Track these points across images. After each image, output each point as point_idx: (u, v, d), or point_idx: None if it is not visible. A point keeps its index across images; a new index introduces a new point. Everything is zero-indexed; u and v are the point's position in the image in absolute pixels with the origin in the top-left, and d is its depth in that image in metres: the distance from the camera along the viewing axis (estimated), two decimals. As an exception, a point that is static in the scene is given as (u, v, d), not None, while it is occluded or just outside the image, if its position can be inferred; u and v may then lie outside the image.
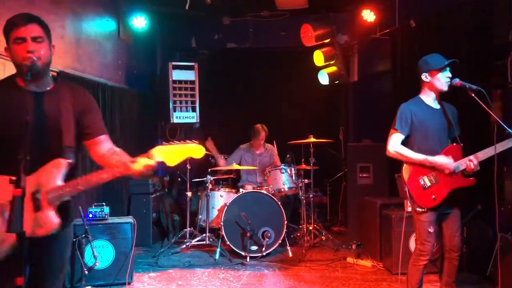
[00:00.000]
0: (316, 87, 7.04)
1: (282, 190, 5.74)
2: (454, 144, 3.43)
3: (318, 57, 6.82)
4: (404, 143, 3.48)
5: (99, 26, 5.88)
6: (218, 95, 7.75)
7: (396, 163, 3.71)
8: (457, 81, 3.33)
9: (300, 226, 5.94)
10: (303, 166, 6.13)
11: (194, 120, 6.65)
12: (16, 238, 1.92)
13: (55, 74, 4.64)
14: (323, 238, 5.87)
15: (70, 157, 2.23)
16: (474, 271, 4.58)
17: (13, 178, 1.90)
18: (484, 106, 3.16)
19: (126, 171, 2.16)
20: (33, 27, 2.21)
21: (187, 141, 2.18)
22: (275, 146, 6.58)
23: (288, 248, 5.46)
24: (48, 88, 2.30)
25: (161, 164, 2.16)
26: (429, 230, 3.36)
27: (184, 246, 5.60)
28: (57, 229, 2.17)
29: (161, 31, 7.42)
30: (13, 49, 2.18)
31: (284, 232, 5.41)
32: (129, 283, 4.44)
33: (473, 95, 3.23)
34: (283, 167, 5.80)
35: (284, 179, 5.76)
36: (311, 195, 5.91)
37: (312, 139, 5.85)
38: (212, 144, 6.44)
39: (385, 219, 4.97)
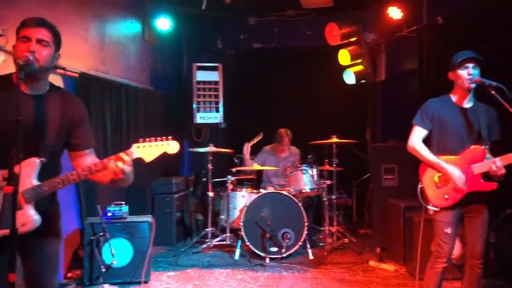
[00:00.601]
0: (342, 87, 6.93)
1: (304, 191, 5.65)
2: (477, 145, 3.22)
3: (344, 56, 6.70)
4: (425, 140, 3.36)
5: (123, 28, 5.99)
6: (244, 96, 7.75)
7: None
8: (476, 78, 3.17)
9: (322, 228, 5.83)
10: (326, 167, 6.02)
11: (217, 121, 6.68)
12: (8, 234, 1.96)
13: (76, 75, 4.79)
14: (346, 240, 5.74)
15: (45, 156, 2.26)
16: (503, 277, 4.37)
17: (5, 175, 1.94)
18: (505, 104, 2.99)
19: (103, 167, 2.22)
20: (42, 30, 2.26)
21: (163, 138, 2.28)
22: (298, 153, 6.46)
23: (309, 250, 5.38)
24: (42, 93, 2.33)
25: (138, 160, 2.22)
26: (446, 230, 3.21)
27: (205, 246, 5.61)
28: (38, 225, 2.21)
29: (186, 33, 7.50)
30: (17, 45, 2.23)
31: (304, 234, 5.33)
32: (146, 282, 4.48)
33: (493, 92, 3.06)
34: (305, 168, 5.72)
35: (305, 180, 5.67)
36: (333, 197, 5.79)
37: (335, 140, 5.74)
38: (248, 149, 6.36)
39: (409, 222, 4.82)
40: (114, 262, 4.40)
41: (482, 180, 3.17)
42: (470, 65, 3.20)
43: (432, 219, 3.36)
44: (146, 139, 2.27)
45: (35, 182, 2.22)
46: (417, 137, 3.32)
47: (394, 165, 5.70)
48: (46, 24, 2.30)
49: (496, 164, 3.04)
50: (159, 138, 2.28)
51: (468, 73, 3.20)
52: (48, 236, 2.38)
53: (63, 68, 4.59)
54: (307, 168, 5.73)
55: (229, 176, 5.75)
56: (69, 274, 4.68)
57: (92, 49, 5.26)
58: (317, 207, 6.26)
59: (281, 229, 5.31)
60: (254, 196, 5.50)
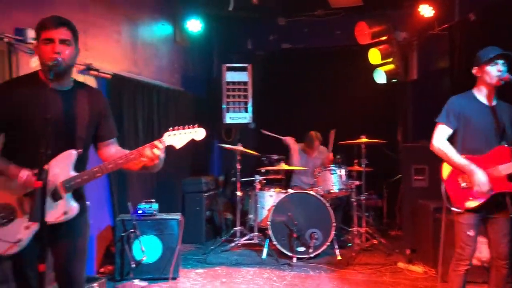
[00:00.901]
0: (372, 86, 6.87)
1: (332, 191, 5.63)
2: (503, 145, 3.14)
3: (374, 55, 6.65)
4: (449, 139, 3.29)
5: (155, 31, 6.13)
6: (273, 96, 7.78)
7: None
8: (505, 75, 3.09)
9: (351, 229, 5.79)
10: (356, 167, 5.97)
11: (246, 121, 6.74)
12: (38, 226, 2.07)
13: (109, 76, 4.95)
14: (375, 241, 5.69)
15: (80, 147, 2.38)
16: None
17: (35, 171, 2.05)
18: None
19: (139, 155, 2.34)
20: (63, 30, 2.36)
21: (191, 126, 2.39)
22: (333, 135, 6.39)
23: (337, 250, 5.36)
24: (68, 88, 2.44)
25: (170, 147, 2.37)
26: (468, 233, 3.14)
27: (233, 244, 5.68)
28: (77, 213, 2.34)
29: (217, 34, 7.60)
30: (41, 48, 2.33)
31: (332, 234, 5.31)
32: (174, 278, 4.58)
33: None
34: (333, 168, 5.70)
35: (334, 180, 5.65)
36: (362, 197, 5.75)
37: (364, 140, 5.69)
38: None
39: (438, 223, 4.71)
40: (144, 258, 4.52)
41: (508, 181, 3.09)
42: (500, 61, 3.13)
43: (455, 221, 3.29)
44: (176, 127, 2.38)
45: (72, 172, 2.34)
46: (442, 137, 3.24)
47: (425, 165, 5.59)
48: (65, 23, 2.40)
49: None
50: (187, 126, 2.39)
51: (498, 70, 3.13)
52: (78, 227, 2.49)
53: (97, 70, 4.77)
54: (335, 168, 5.71)
55: (257, 176, 5.80)
56: (102, 269, 4.84)
57: (124, 51, 5.43)
58: (346, 207, 6.22)
59: (309, 229, 5.31)
60: (282, 195, 5.52)
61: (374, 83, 6.75)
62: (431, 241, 4.88)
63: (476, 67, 3.23)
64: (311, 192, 5.48)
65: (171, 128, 2.39)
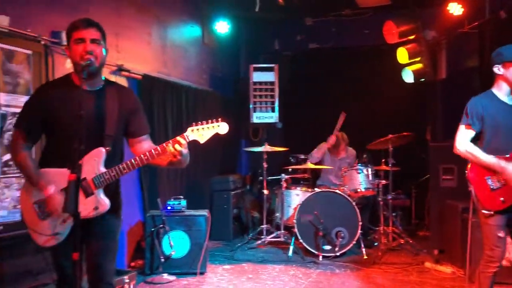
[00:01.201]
0: (401, 85, 6.82)
1: (359, 190, 5.64)
2: None
3: (402, 54, 6.61)
4: (473, 140, 3.26)
5: (184, 32, 6.28)
6: (300, 96, 7.82)
7: None
8: (529, 73, 3.06)
9: (377, 228, 5.78)
10: (383, 167, 5.95)
11: (273, 120, 6.81)
12: (72, 218, 2.20)
13: (140, 77, 5.10)
14: (402, 241, 5.66)
15: (109, 145, 2.48)
16: None
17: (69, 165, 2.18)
18: None
19: (163, 151, 2.39)
20: (93, 30, 2.49)
21: (214, 120, 2.42)
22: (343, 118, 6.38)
23: (363, 249, 5.36)
24: (99, 88, 2.56)
25: (195, 143, 2.40)
26: (499, 234, 3.09)
27: (260, 242, 5.76)
28: (108, 210, 2.43)
29: (244, 35, 7.71)
30: (73, 48, 2.46)
31: (358, 233, 5.32)
32: (202, 273, 4.69)
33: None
34: (360, 167, 5.70)
35: (360, 180, 5.66)
36: (389, 197, 5.73)
37: (390, 136, 5.67)
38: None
39: (467, 223, 4.67)
40: (173, 253, 4.66)
41: None
42: None
43: (483, 223, 3.25)
44: (199, 122, 2.42)
45: (102, 169, 2.44)
46: (466, 139, 3.20)
47: (454, 165, 5.53)
48: (94, 24, 2.53)
49: None
50: (210, 121, 2.43)
51: None
52: (112, 225, 2.61)
53: (128, 71, 4.93)
54: (362, 168, 5.71)
55: (283, 175, 5.86)
56: (132, 264, 5.00)
57: (154, 53, 5.58)
58: (373, 207, 6.21)
59: (335, 227, 5.34)
60: (308, 194, 5.56)
61: (403, 82, 6.70)
62: (459, 242, 4.83)
63: (498, 65, 3.18)
64: (337, 191, 5.51)
65: (194, 123, 2.42)
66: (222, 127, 2.44)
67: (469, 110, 3.22)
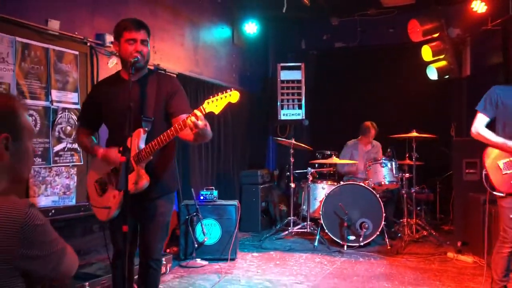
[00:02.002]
0: (427, 83, 6.95)
1: (383, 183, 5.84)
2: None
3: (426, 52, 6.75)
4: (490, 126, 3.45)
5: (215, 33, 6.61)
6: (327, 93, 8.05)
7: None
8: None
9: (401, 220, 5.96)
10: (407, 161, 6.12)
11: (300, 117, 7.08)
12: (123, 194, 2.53)
13: (174, 76, 5.44)
14: (425, 233, 5.82)
15: (147, 126, 2.76)
16: None
17: (120, 149, 2.51)
18: None
19: (184, 125, 2.58)
20: (143, 32, 2.82)
21: (226, 90, 2.60)
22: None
23: (387, 240, 5.55)
24: (142, 76, 2.88)
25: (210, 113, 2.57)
26: (511, 216, 3.29)
27: (287, 232, 6.02)
28: (148, 184, 2.72)
29: (272, 35, 7.99)
30: (124, 46, 2.78)
31: (382, 224, 5.52)
32: (232, 259, 4.99)
33: None
34: (384, 161, 5.90)
35: (384, 173, 5.85)
36: (412, 190, 5.90)
37: (415, 134, 5.84)
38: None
39: (489, 215, 4.82)
40: (205, 240, 4.97)
41: None
42: None
43: (498, 205, 3.44)
44: (213, 94, 2.60)
45: (142, 147, 2.74)
46: (480, 123, 3.43)
47: (476, 159, 5.66)
48: (144, 26, 2.85)
49: None
50: (222, 92, 2.59)
51: None
52: (161, 203, 2.90)
53: (164, 70, 5.28)
54: (386, 162, 5.91)
55: (309, 168, 6.10)
56: (168, 250, 5.33)
57: (187, 53, 5.93)
58: (398, 201, 6.38)
59: (359, 219, 5.55)
60: (333, 187, 5.79)
61: (428, 80, 6.84)
62: (481, 233, 4.97)
63: None
64: (362, 184, 5.72)
65: (211, 96, 2.59)
66: (234, 96, 2.58)
67: (484, 97, 3.47)
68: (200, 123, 2.51)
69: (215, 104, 2.58)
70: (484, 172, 3.42)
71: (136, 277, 2.99)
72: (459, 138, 6.21)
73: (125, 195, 2.51)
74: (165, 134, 2.67)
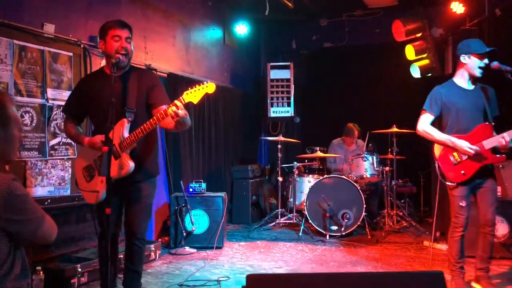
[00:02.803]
0: (412, 81, 7.20)
1: (364, 176, 6.14)
2: (485, 123, 3.61)
3: (410, 51, 7.02)
4: (437, 123, 3.78)
5: (206, 35, 6.93)
6: (317, 92, 8.34)
7: None
8: (495, 64, 3.53)
9: (382, 211, 6.25)
10: (388, 155, 6.40)
11: (289, 114, 7.38)
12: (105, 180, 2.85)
13: (165, 75, 5.76)
14: (405, 224, 6.10)
15: (130, 116, 3.11)
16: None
17: (103, 139, 2.84)
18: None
19: (165, 114, 2.92)
20: (126, 30, 3.19)
21: (203, 82, 2.96)
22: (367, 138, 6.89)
23: (368, 230, 5.84)
24: (124, 72, 3.22)
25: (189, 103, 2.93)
26: (461, 204, 3.62)
27: (274, 223, 6.33)
28: (133, 169, 3.05)
29: (264, 36, 8.30)
30: (110, 43, 3.12)
31: (363, 215, 5.81)
32: (219, 247, 5.30)
33: (509, 76, 3.41)
34: (365, 155, 6.19)
35: (366, 167, 6.15)
36: (393, 182, 6.19)
37: (395, 129, 6.12)
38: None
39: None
40: (194, 229, 5.28)
41: (492, 154, 3.52)
42: (486, 57, 3.57)
43: (449, 194, 3.73)
44: (193, 86, 2.96)
45: (126, 135, 3.08)
46: (425, 122, 3.78)
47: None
48: (127, 25, 3.22)
49: (505, 138, 3.38)
50: (200, 83, 2.96)
51: (484, 62, 3.59)
52: (144, 186, 3.24)
53: (154, 69, 5.60)
54: (367, 156, 6.20)
55: (295, 162, 6.40)
56: (159, 240, 5.66)
57: (178, 53, 6.24)
58: (382, 194, 6.67)
59: (341, 210, 5.84)
60: (317, 180, 6.09)
61: (413, 78, 7.11)
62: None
63: (464, 55, 3.67)
64: (343, 177, 6.01)
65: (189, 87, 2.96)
66: (210, 87, 2.95)
67: (429, 98, 3.80)
68: (181, 112, 2.85)
69: (193, 95, 2.93)
70: (436, 164, 3.71)
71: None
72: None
73: (107, 180, 2.83)
74: (148, 123, 2.99)
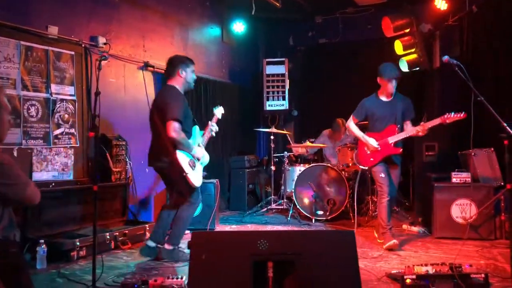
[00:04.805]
0: (404, 75, 7.52)
1: (350, 165, 6.52)
2: (393, 124, 4.88)
3: (398, 47, 7.36)
4: (362, 125, 5.14)
5: (204, 33, 7.40)
6: (314, 85, 8.73)
7: (461, 141, 4.98)
8: (445, 58, 3.92)
9: (366, 198, 6.63)
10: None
11: (284, 107, 7.80)
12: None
13: (163, 71, 6.23)
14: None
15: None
16: None
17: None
18: (464, 77, 3.71)
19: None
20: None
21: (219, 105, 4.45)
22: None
23: (351, 215, 6.23)
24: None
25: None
26: (381, 175, 4.80)
27: (266, 209, 6.78)
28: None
29: (262, 33, 8.73)
30: (190, 75, 4.47)
31: (347, 201, 6.21)
32: (212, 229, 5.77)
33: (456, 69, 3.79)
34: (351, 144, 6.57)
35: (352, 155, 6.52)
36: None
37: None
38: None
39: (434, 189, 5.46)
40: (187, 212, 5.75)
41: (394, 147, 4.83)
42: (394, 80, 4.87)
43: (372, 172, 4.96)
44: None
45: None
46: (350, 122, 5.11)
47: (435, 142, 6.27)
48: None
49: (418, 129, 4.74)
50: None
51: (392, 86, 4.90)
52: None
53: (152, 66, 6.10)
54: (354, 145, 6.57)
55: (285, 152, 6.83)
56: (158, 223, 6.17)
57: (177, 51, 6.69)
58: (367, 182, 7.03)
59: (327, 196, 6.25)
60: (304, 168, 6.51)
61: (402, 72, 7.44)
62: (430, 207, 5.61)
63: (379, 78, 4.92)
64: (329, 165, 6.42)
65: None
66: (220, 109, 4.89)
67: (359, 106, 5.09)
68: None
69: (218, 112, 5.00)
70: (355, 152, 5.05)
71: None
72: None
73: (94, 163, 3.33)
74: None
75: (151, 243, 4.32)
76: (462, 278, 3.35)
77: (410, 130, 4.87)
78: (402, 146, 4.99)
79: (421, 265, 3.49)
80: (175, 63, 4.39)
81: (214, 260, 2.25)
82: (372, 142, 4.88)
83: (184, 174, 4.14)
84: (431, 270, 3.41)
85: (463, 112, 4.54)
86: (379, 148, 4.84)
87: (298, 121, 8.88)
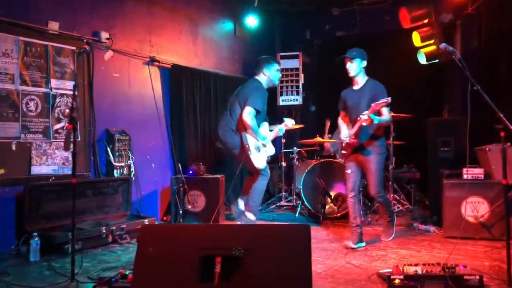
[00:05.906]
0: (422, 67, 7.22)
1: (361, 161, 6.29)
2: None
3: (416, 38, 7.05)
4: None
5: (215, 27, 7.33)
6: (331, 79, 8.49)
7: (477, 137, 4.47)
8: (442, 45, 3.70)
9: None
10: (389, 141, 6.51)
11: (297, 102, 7.64)
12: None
13: (169, 66, 6.23)
14: (400, 207, 6.21)
15: None
16: None
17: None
18: (460, 64, 3.50)
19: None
20: None
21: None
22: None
23: (362, 212, 5.99)
24: None
25: None
26: (347, 172, 4.73)
27: (275, 206, 6.65)
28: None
29: (278, 27, 8.58)
30: (275, 74, 5.22)
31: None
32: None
33: (452, 56, 3.56)
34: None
35: (363, 151, 6.30)
36: (390, 167, 6.30)
37: (391, 114, 6.21)
38: (327, 126, 7.34)
39: (446, 186, 5.19)
40: (190, 208, 5.72)
41: (354, 139, 4.62)
42: (348, 63, 4.85)
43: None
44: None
45: None
46: (340, 116, 5.02)
47: (450, 138, 5.97)
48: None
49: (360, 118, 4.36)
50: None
51: (349, 70, 4.86)
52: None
53: (158, 61, 6.09)
54: (365, 141, 6.34)
55: (295, 148, 6.68)
56: (164, 218, 6.19)
57: (185, 46, 6.69)
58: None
59: (335, 192, 6.06)
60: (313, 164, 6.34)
61: (419, 64, 7.14)
62: (441, 204, 5.34)
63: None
64: (337, 161, 6.22)
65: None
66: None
67: (340, 98, 5.02)
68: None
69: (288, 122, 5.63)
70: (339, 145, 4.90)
71: None
72: (434, 118, 6.41)
73: (73, 155, 3.32)
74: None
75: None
76: (454, 279, 3.15)
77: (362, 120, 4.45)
78: (371, 138, 4.62)
79: (411, 264, 3.30)
80: (260, 64, 5.31)
81: (161, 254, 2.17)
82: (342, 132, 4.79)
83: (248, 153, 4.84)
84: (420, 270, 3.22)
85: (389, 98, 4.38)
86: (347, 140, 4.65)
87: (315, 117, 8.68)
